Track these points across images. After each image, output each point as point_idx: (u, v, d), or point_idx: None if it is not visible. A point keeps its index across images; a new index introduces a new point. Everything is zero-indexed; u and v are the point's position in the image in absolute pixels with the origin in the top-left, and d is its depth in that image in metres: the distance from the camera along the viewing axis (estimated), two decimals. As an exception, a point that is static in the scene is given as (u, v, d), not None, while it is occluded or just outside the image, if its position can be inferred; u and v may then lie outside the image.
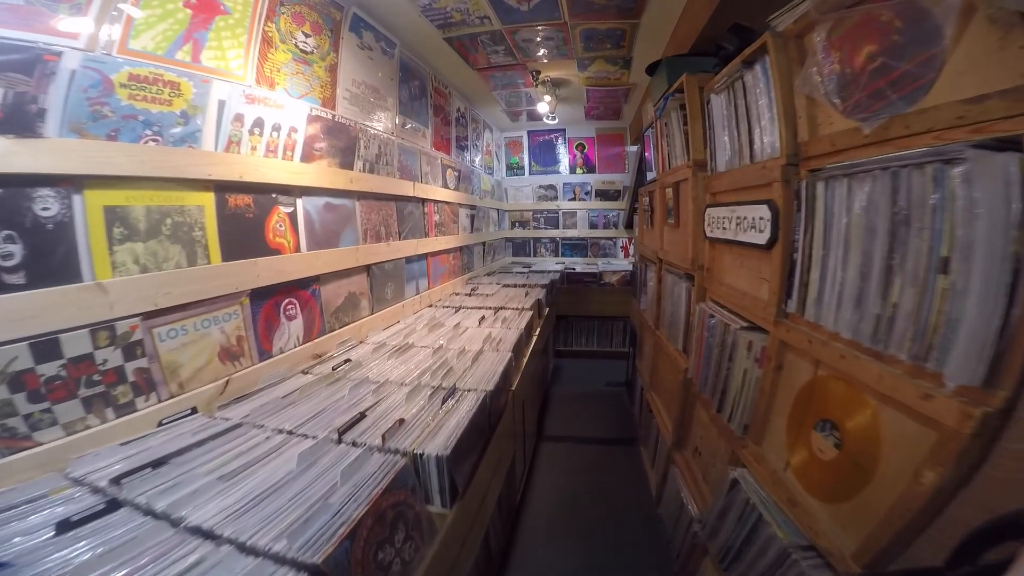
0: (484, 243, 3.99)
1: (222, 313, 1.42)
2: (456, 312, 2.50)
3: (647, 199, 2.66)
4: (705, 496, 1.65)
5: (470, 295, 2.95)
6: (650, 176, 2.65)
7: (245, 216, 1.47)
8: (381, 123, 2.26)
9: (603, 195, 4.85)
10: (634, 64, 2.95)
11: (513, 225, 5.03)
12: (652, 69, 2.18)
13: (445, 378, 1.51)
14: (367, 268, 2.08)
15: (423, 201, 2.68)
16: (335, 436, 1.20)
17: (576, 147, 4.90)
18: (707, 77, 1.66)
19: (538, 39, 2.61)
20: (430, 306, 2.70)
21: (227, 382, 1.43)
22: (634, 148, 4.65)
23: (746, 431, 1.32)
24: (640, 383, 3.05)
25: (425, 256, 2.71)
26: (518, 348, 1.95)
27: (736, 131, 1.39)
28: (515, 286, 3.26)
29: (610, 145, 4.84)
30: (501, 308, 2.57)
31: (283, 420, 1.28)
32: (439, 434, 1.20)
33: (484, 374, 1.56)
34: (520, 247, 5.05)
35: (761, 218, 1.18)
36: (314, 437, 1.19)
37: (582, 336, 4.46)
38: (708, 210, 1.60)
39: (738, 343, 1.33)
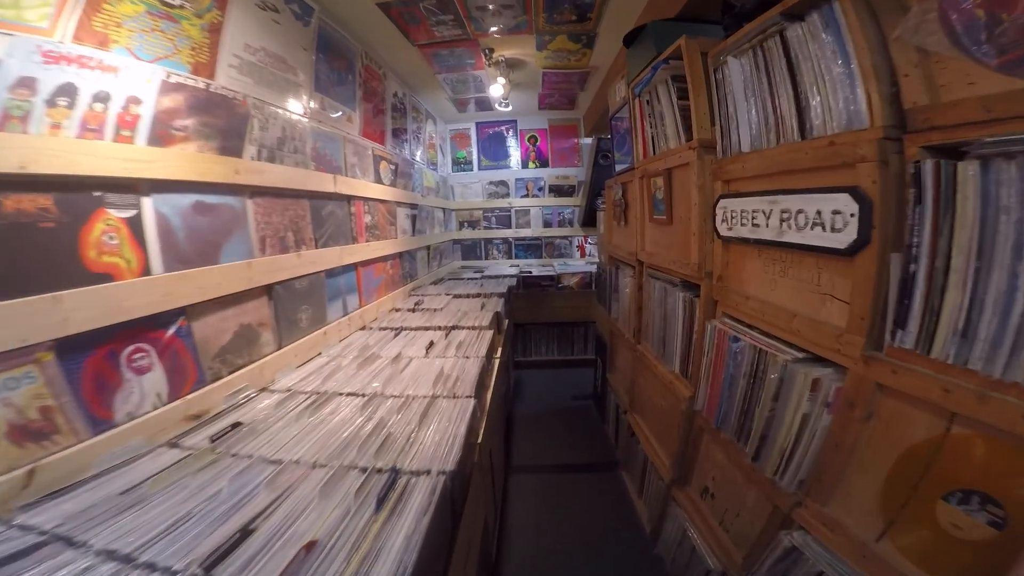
0: (429, 247, 3.50)
1: (1, 379, 0.86)
2: (396, 336, 2.01)
3: (619, 191, 2.31)
4: (726, 546, 1.34)
5: (414, 311, 2.46)
6: (622, 165, 2.30)
7: (37, 228, 0.90)
8: (288, 101, 1.72)
9: (557, 191, 4.51)
10: (598, 43, 2.60)
11: (461, 226, 4.55)
12: (631, 39, 1.82)
13: (381, 453, 1.04)
14: (268, 289, 1.55)
15: (349, 199, 2.15)
16: (198, 572, 0.72)
17: (528, 139, 4.52)
18: (711, 42, 1.32)
19: (493, 6, 2.17)
20: (363, 328, 2.18)
21: (31, 471, 0.89)
22: (588, 140, 4.36)
23: (801, 486, 1.00)
24: (614, 399, 2.73)
25: (354, 266, 2.18)
26: (482, 386, 1.51)
27: (770, 100, 1.05)
28: (468, 296, 2.81)
29: (564, 137, 4.51)
30: (454, 328, 2.11)
31: (117, 534, 0.80)
32: (377, 566, 0.75)
33: (440, 440, 1.11)
34: (470, 249, 4.59)
35: (836, 212, 0.83)
36: (166, 570, 0.72)
37: (542, 345, 4.10)
38: (722, 202, 1.26)
39: (792, 380, 0.98)
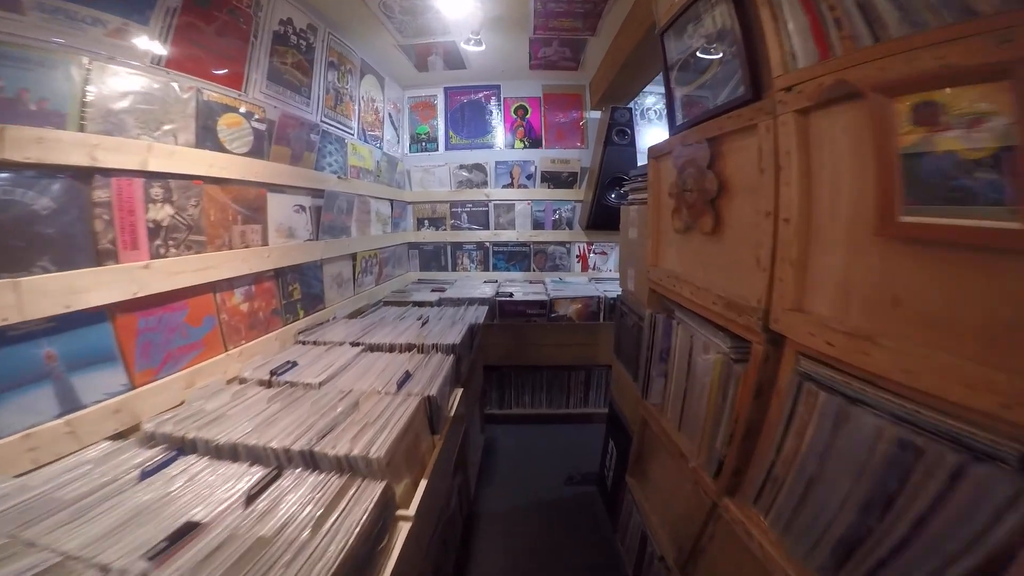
0: (355, 255, 2.33)
1: None
2: (153, 474, 0.85)
3: (702, 158, 1.11)
4: None
5: (270, 384, 1.30)
6: (695, 109, 1.13)
7: None
8: None
9: (552, 180, 3.33)
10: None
11: (421, 224, 3.38)
12: None
13: None
14: None
15: (91, 173, 0.99)
16: None
17: (515, 111, 3.35)
18: None
19: None
20: (122, 434, 1.02)
21: None
22: (597, 114, 3.20)
23: None
24: (638, 518, 1.61)
25: (105, 312, 1.03)
26: None
27: None
28: (391, 349, 1.65)
29: (562, 109, 3.34)
30: (300, 462, 0.96)
31: None
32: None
33: None
34: (432, 256, 3.42)
35: None
36: None
37: (525, 393, 2.94)
38: None
39: None
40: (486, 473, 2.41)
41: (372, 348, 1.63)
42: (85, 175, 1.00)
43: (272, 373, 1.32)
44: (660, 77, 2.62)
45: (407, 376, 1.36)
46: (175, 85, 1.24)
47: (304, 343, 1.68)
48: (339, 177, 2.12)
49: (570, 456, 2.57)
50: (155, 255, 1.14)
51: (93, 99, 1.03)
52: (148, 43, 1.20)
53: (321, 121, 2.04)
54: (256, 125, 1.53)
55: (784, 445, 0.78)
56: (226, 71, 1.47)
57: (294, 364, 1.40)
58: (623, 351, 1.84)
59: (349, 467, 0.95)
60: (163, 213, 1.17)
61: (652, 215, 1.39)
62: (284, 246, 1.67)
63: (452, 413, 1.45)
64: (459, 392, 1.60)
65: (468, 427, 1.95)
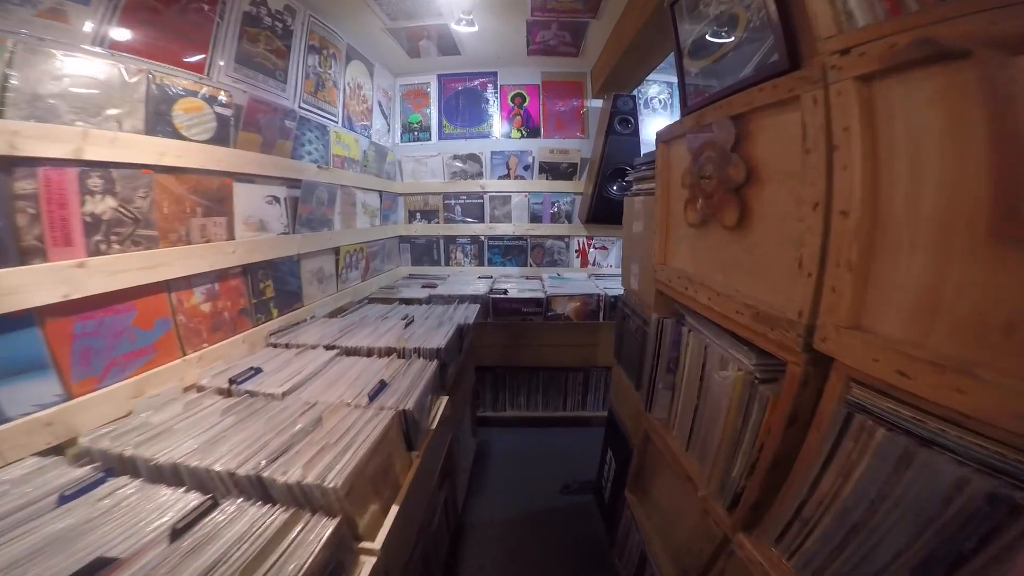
0: (338, 250, 2.20)
1: None
2: (68, 501, 0.73)
3: (727, 137, 0.94)
4: None
5: (229, 393, 1.18)
6: (716, 82, 0.99)
7: None
8: None
9: (551, 171, 3.19)
10: None
11: (412, 217, 3.25)
12: None
13: None
14: None
15: (14, 163, 0.87)
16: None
17: (512, 99, 3.20)
18: None
19: None
20: (48, 452, 0.90)
21: None
22: (599, 102, 3.05)
23: None
24: (638, 538, 1.49)
25: (33, 317, 0.91)
26: None
27: None
28: (367, 354, 1.52)
29: (562, 97, 3.18)
30: (238, 505, 0.83)
31: None
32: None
33: None
34: (424, 250, 3.29)
35: None
36: None
37: (520, 395, 2.82)
38: None
39: None
40: (477, 480, 2.30)
41: (348, 352, 1.51)
42: (5, 165, 0.87)
43: (231, 381, 1.20)
44: (665, 64, 2.51)
45: (382, 386, 1.23)
46: (121, 68, 1.11)
47: (275, 346, 1.55)
48: (319, 167, 1.98)
49: (566, 461, 2.46)
50: (94, 252, 1.02)
51: (17, 83, 0.91)
52: (89, 24, 1.08)
53: (299, 107, 1.90)
54: (220, 110, 1.39)
55: (820, 483, 0.66)
56: (186, 53, 1.34)
57: (258, 371, 1.28)
58: (624, 356, 1.71)
59: (303, 496, 0.83)
60: (103, 206, 1.04)
61: (660, 207, 1.24)
62: (253, 240, 1.54)
63: (434, 425, 1.33)
64: (444, 400, 1.47)
65: (457, 432, 1.84)
